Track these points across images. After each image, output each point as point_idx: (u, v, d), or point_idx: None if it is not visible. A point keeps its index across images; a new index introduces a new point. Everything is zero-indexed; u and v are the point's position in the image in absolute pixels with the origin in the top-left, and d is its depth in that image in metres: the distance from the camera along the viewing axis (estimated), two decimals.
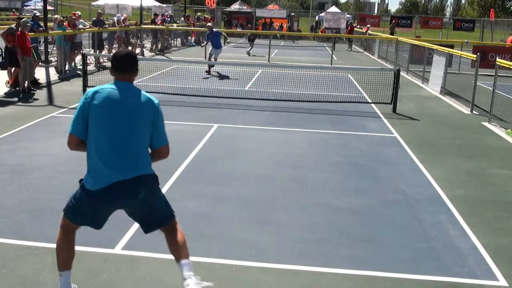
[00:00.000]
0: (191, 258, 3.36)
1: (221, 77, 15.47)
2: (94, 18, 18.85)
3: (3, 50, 12.30)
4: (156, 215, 3.39)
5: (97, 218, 3.30)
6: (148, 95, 3.34)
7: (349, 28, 32.37)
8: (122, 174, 3.15)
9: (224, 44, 17.76)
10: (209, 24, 17.96)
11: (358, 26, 34.56)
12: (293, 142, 8.11)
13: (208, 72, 15.97)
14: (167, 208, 3.44)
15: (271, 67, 17.08)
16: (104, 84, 3.34)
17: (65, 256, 3.34)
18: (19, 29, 11.26)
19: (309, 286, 3.88)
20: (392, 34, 25.29)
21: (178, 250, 3.38)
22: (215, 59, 16.20)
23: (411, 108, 11.61)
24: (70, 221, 3.31)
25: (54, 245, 4.28)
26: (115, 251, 4.25)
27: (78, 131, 3.22)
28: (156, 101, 3.33)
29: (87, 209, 3.22)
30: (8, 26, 12.05)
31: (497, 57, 14.65)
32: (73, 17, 15.85)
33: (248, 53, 23.34)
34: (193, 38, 30.01)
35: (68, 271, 3.34)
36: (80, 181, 3.26)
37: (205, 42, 17.80)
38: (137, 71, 3.35)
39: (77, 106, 3.26)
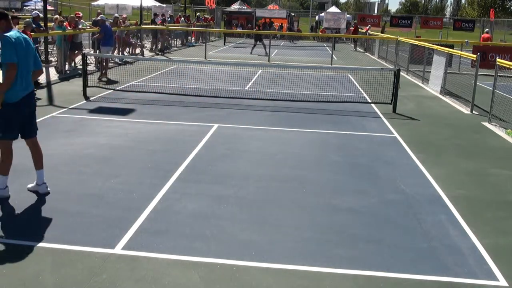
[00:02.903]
0: (191, 258, 3.86)
1: (221, 77, 15.47)
2: (94, 18, 18.85)
3: None
4: (32, 125, 5.29)
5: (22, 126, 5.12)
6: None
7: (353, 28, 32.32)
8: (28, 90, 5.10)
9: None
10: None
11: (358, 26, 34.55)
12: (293, 142, 8.11)
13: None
14: (35, 124, 5.34)
15: (271, 67, 17.10)
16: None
17: (10, 164, 5.15)
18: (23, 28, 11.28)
19: (309, 286, 3.88)
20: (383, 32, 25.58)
21: (37, 161, 5.33)
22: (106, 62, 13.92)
23: (411, 108, 11.61)
24: (9, 139, 5.07)
25: (54, 245, 4.33)
26: (115, 251, 4.25)
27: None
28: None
29: (16, 121, 4.98)
30: None
31: (497, 57, 14.64)
32: (76, 18, 15.81)
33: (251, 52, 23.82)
34: (193, 38, 30.03)
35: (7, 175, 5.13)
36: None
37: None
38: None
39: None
